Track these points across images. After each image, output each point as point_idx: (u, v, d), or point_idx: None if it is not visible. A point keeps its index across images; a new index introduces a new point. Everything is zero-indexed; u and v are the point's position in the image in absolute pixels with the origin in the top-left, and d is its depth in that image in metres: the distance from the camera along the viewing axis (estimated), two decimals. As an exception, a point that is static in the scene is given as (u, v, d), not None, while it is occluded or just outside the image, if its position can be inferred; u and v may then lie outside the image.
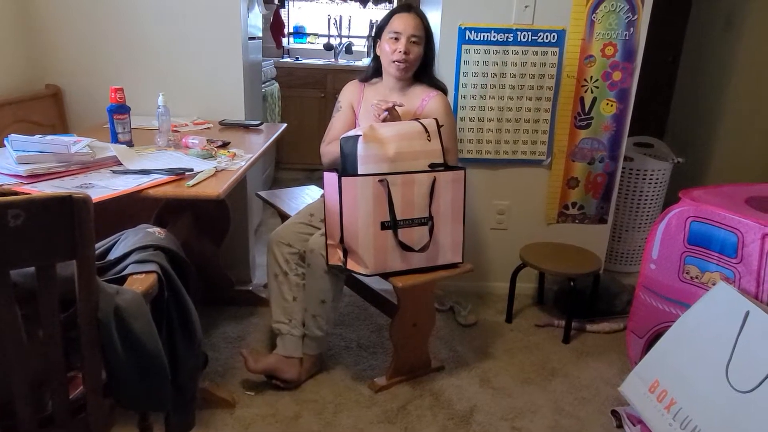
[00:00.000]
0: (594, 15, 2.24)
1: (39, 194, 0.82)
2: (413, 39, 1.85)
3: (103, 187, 1.37)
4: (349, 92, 2.05)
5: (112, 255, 1.16)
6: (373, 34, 1.98)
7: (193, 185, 1.44)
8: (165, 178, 1.46)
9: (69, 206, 0.83)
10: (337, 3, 4.81)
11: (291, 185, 2.79)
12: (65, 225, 0.84)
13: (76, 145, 1.52)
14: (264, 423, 1.72)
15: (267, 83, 3.47)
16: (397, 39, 1.84)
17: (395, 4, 4.62)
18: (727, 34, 3.36)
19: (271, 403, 1.81)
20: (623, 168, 2.54)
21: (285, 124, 2.41)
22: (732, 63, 3.31)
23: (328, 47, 4.70)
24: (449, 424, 1.76)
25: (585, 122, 2.39)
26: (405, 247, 1.76)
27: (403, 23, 1.84)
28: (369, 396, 1.87)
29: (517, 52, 2.29)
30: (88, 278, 0.89)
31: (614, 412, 1.81)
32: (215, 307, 2.35)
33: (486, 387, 1.95)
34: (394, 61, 1.86)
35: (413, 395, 1.89)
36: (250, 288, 2.54)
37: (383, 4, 4.79)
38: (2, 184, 1.36)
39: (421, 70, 1.93)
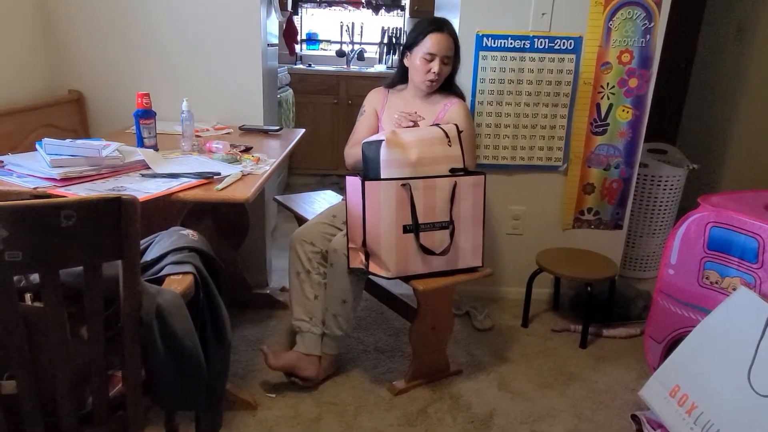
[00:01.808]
0: (611, 22, 2.26)
1: (89, 196, 0.84)
2: (445, 60, 1.92)
3: (136, 190, 1.39)
4: (374, 98, 2.10)
5: (148, 256, 1.18)
6: (403, 45, 2.03)
7: (222, 189, 1.46)
8: (194, 181, 1.48)
9: (117, 207, 0.86)
10: (349, 10, 4.85)
11: (303, 190, 2.81)
12: (113, 226, 0.87)
13: (106, 149, 1.55)
14: (286, 425, 1.74)
15: (281, 89, 3.51)
16: (430, 60, 1.90)
17: (407, 12, 4.66)
18: (739, 41, 3.38)
19: (293, 405, 1.83)
20: (638, 174, 2.55)
21: (303, 130, 2.45)
22: (744, 69, 3.33)
23: (341, 54, 4.74)
24: (469, 427, 1.77)
25: (601, 128, 2.41)
26: (426, 251, 1.77)
27: (437, 44, 1.89)
28: (388, 399, 1.89)
29: (533, 59, 2.31)
30: (133, 278, 0.91)
31: (634, 417, 1.81)
32: (233, 310, 2.34)
33: (504, 391, 1.96)
34: (426, 81, 1.93)
35: (432, 398, 1.90)
36: (268, 291, 2.56)
37: (395, 11, 4.83)
38: (37, 187, 1.39)
39: (444, 80, 1.99)
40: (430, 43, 1.89)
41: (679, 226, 1.84)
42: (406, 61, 2.00)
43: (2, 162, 1.53)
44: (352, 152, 2.01)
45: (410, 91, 2.03)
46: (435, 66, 1.90)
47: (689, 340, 1.68)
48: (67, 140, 1.56)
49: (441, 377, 2.00)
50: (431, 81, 1.93)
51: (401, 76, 2.05)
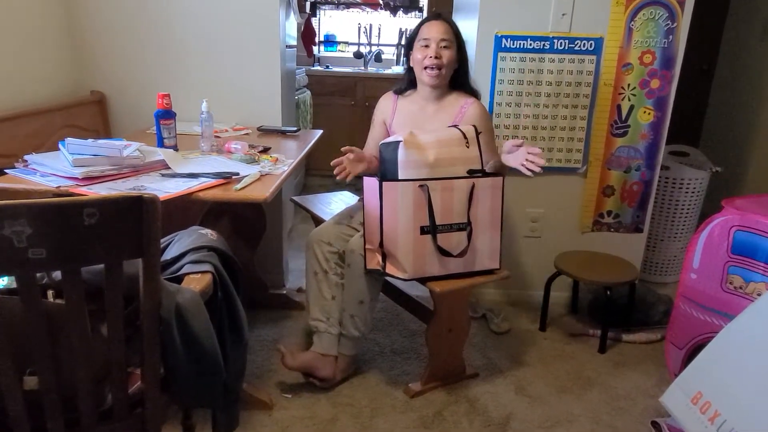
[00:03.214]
0: (632, 23, 2.23)
1: (112, 194, 0.85)
2: (443, 43, 1.88)
3: (156, 189, 1.40)
4: (383, 107, 2.08)
5: (167, 255, 1.19)
6: (404, 47, 2.02)
7: (241, 189, 1.47)
8: (213, 181, 1.49)
9: (139, 206, 0.87)
10: (367, 11, 4.86)
11: (319, 191, 2.81)
12: (134, 224, 0.87)
13: (127, 149, 1.57)
14: (302, 425, 1.74)
15: (299, 91, 3.53)
16: (427, 46, 1.88)
17: (425, 13, 4.65)
18: (765, 41, 3.31)
19: (308, 405, 1.83)
20: (659, 177, 2.51)
21: (321, 131, 2.46)
22: (770, 71, 3.26)
23: (358, 55, 4.75)
24: (486, 431, 1.76)
25: (621, 130, 2.37)
26: (443, 252, 1.76)
27: (431, 30, 1.89)
28: (404, 401, 1.88)
29: (553, 60, 2.29)
30: (154, 276, 0.92)
31: (654, 423, 1.78)
32: (250, 310, 2.36)
33: (521, 395, 1.94)
34: (425, 68, 1.89)
35: (449, 401, 1.89)
36: (284, 291, 2.57)
37: (413, 13, 4.83)
38: (60, 186, 1.41)
39: (455, 78, 1.96)
40: (425, 30, 1.90)
41: (701, 230, 1.81)
42: (411, 62, 1.97)
43: (26, 161, 1.56)
44: None
45: (421, 95, 1.99)
46: (431, 51, 1.86)
47: (712, 346, 1.65)
48: (89, 140, 1.58)
49: (457, 380, 1.99)
50: (430, 67, 1.87)
51: (409, 81, 2.01)
